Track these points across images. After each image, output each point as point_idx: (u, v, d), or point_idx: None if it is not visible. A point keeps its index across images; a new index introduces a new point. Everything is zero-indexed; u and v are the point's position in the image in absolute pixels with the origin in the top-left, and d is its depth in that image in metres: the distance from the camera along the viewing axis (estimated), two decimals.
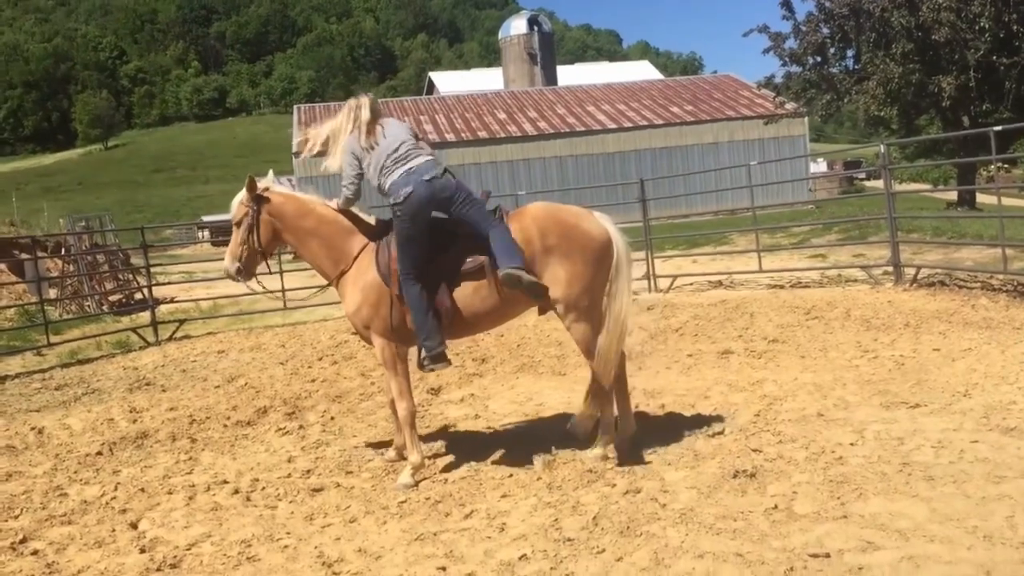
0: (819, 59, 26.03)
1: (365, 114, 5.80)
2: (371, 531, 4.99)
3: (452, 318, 5.74)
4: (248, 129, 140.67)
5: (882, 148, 13.22)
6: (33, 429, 8.31)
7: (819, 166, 61.11)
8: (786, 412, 6.54)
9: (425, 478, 5.84)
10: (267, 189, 6.11)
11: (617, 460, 5.75)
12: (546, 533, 4.67)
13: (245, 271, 6.13)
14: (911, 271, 12.42)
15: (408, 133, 5.85)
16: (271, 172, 6.41)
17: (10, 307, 15.83)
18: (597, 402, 5.91)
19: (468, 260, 5.70)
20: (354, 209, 6.14)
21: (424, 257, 5.62)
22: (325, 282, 6.35)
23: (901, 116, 26.04)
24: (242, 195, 6.11)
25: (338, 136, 5.90)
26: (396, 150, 5.69)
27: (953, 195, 27.37)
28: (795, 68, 26.66)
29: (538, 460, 5.89)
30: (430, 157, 5.75)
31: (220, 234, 44.11)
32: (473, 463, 6.07)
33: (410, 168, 5.62)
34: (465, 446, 6.48)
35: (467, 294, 5.71)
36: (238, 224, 6.07)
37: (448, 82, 73.24)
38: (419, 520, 5.08)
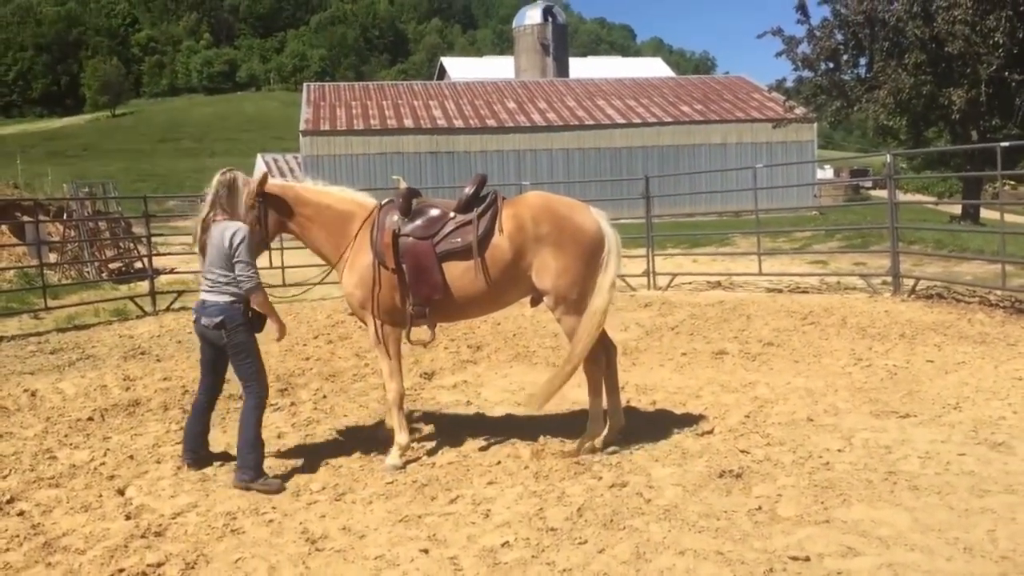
0: (831, 65, 25.92)
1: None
2: (356, 510, 5.02)
3: (443, 299, 5.77)
4: (257, 104, 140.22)
5: (888, 158, 13.20)
6: (26, 391, 8.35)
7: (826, 173, 61.01)
8: (776, 415, 6.57)
9: (413, 461, 5.87)
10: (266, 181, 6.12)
11: (605, 453, 5.78)
12: (530, 522, 4.70)
13: None
14: (910, 282, 12.44)
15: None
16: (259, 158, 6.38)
17: (9, 269, 15.84)
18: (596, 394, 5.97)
19: (456, 240, 5.73)
20: (351, 192, 6.20)
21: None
22: (323, 262, 6.37)
23: (910, 127, 25.97)
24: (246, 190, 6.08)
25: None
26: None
27: (957, 208, 27.34)
28: (807, 73, 26.55)
29: (526, 449, 5.92)
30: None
31: None
32: (462, 449, 6.10)
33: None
34: (455, 432, 6.50)
35: (456, 275, 5.74)
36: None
37: (459, 68, 73.01)
38: (404, 502, 5.11)
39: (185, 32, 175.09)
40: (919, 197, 45.70)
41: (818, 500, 4.80)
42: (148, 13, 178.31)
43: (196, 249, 5.71)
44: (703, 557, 4.17)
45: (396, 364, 5.96)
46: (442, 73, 75.11)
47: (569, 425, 6.34)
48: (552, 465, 5.61)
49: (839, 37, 25.24)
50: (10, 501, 5.30)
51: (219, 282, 5.52)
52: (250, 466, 5.47)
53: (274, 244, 6.77)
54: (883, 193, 13.72)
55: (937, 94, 22.98)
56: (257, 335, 5.70)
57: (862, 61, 25.94)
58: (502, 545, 4.42)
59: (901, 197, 30.30)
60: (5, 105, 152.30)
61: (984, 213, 26.24)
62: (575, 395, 7.29)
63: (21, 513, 5.12)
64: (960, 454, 5.45)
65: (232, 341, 5.56)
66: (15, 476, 5.82)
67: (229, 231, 5.50)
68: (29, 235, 16.89)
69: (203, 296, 5.63)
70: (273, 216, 6.02)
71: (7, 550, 4.59)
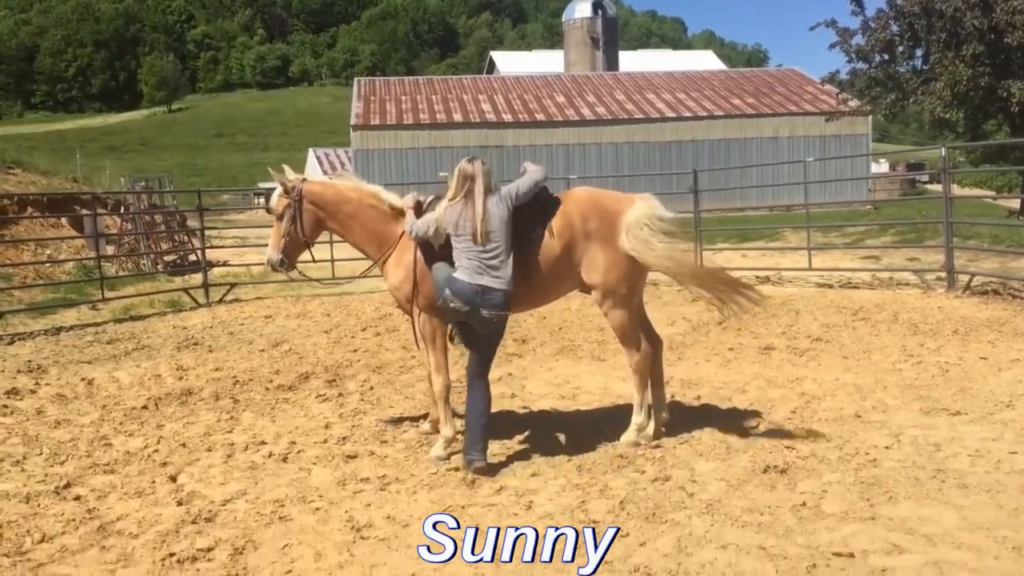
0: (886, 57, 25.42)
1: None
2: (401, 500, 5.07)
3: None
4: (309, 99, 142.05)
5: (943, 151, 12.95)
6: (83, 380, 8.58)
7: (881, 167, 60.00)
8: (823, 411, 6.50)
9: (457, 453, 5.91)
10: (304, 180, 6.21)
11: (648, 447, 5.77)
12: (572, 514, 4.71)
13: (288, 261, 6.26)
14: (965, 278, 12.19)
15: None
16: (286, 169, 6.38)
17: (68, 260, 16.25)
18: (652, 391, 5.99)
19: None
20: (392, 194, 6.22)
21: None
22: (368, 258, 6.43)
23: (968, 120, 25.37)
24: (281, 188, 6.19)
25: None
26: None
27: (1016, 203, 26.69)
28: (861, 65, 26.05)
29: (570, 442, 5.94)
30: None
31: None
32: (506, 441, 6.13)
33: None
34: (499, 424, 6.53)
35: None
36: (280, 216, 6.16)
37: (509, 62, 73.11)
38: (448, 492, 5.15)
39: (239, 28, 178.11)
40: (977, 191, 44.67)
41: (864, 497, 4.75)
42: (203, 9, 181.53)
43: (465, 236, 5.36)
44: (745, 551, 4.15)
45: (443, 357, 6.00)
46: (491, 67, 75.25)
47: (613, 419, 6.35)
48: (595, 458, 5.62)
49: (894, 28, 24.73)
50: (67, 486, 5.46)
51: (504, 261, 5.38)
52: (483, 448, 5.45)
53: (323, 236, 6.84)
54: (940, 187, 13.44)
55: (996, 86, 22.43)
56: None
57: (918, 53, 25.37)
58: None
59: (958, 191, 29.65)
60: (65, 100, 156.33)
61: None
62: (619, 388, 7.31)
63: (77, 498, 5.27)
64: (1012, 452, 5.35)
65: (501, 326, 5.53)
66: (72, 462, 5.99)
67: (505, 192, 5.50)
68: (87, 228, 17.30)
69: (478, 281, 5.32)
70: (312, 215, 6.12)
71: (63, 533, 4.73)
